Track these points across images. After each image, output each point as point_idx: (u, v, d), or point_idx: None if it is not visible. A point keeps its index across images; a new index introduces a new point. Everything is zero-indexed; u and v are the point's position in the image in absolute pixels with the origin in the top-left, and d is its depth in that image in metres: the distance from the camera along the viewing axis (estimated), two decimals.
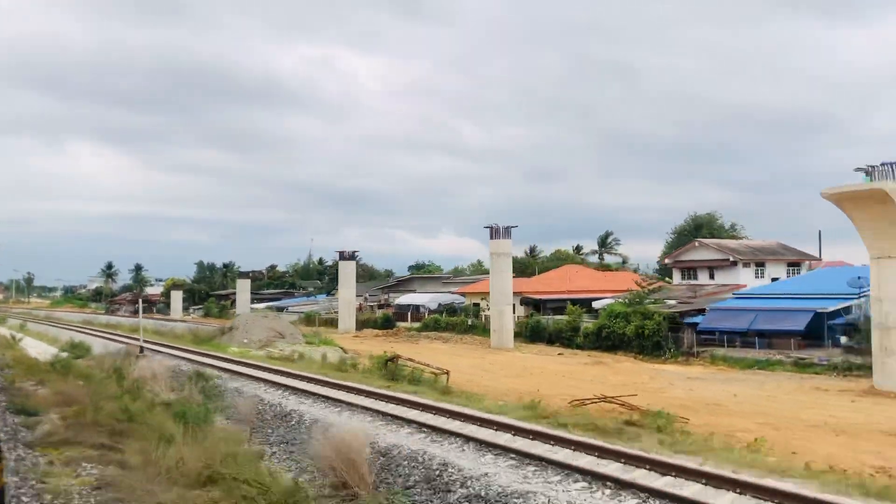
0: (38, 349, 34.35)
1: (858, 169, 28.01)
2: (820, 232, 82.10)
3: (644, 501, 9.12)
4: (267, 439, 13.72)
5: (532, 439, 12.24)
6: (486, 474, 9.73)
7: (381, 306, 75.48)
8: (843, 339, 36.47)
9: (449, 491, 9.43)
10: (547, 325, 53.16)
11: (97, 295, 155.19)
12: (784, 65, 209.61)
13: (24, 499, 9.13)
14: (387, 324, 67.28)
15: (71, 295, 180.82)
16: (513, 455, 11.11)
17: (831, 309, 37.57)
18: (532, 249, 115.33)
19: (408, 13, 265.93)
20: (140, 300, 46.47)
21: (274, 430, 14.10)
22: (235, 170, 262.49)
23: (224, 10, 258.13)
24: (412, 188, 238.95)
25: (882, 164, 26.99)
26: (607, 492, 9.37)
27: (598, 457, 10.93)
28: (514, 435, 12.62)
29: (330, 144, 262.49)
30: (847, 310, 37.57)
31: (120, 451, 12.33)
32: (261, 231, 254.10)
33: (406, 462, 10.76)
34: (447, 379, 23.64)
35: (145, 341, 35.95)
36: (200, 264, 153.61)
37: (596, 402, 23.52)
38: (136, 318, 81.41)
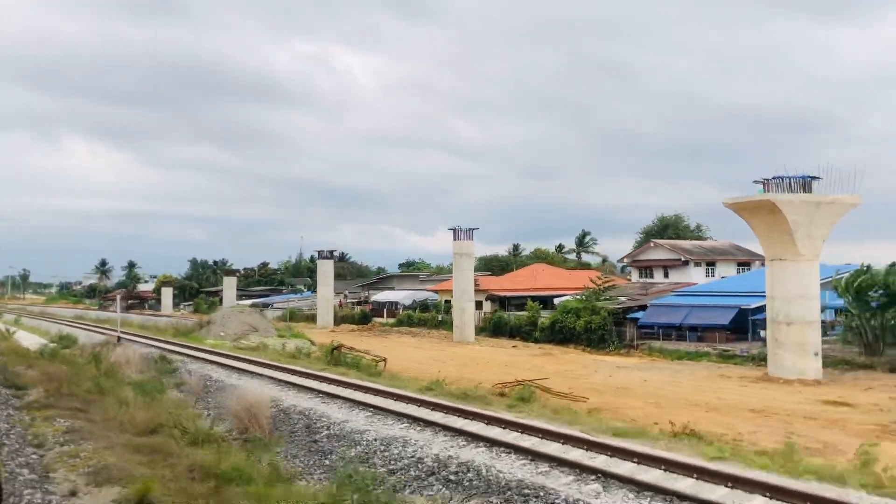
0: (30, 341, 37.82)
1: (756, 181, 31.70)
2: None
3: (452, 438, 12.73)
4: (207, 405, 17.28)
5: (399, 401, 15.87)
6: (347, 421, 13.33)
7: (359, 303, 79.06)
8: (763, 333, 40.22)
9: (318, 432, 13.03)
10: (509, 321, 56.78)
11: (91, 291, 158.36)
12: (781, 64, 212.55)
13: (13, 437, 12.73)
14: (364, 319, 70.87)
15: (66, 291, 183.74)
16: (372, 410, 14.75)
17: (754, 305, 41.25)
18: (515, 248, 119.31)
19: (403, 11, 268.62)
20: (118, 298, 50.23)
21: (214, 399, 17.66)
22: (231, 167, 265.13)
23: (221, 8, 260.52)
24: (408, 186, 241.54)
25: (774, 178, 30.67)
26: (427, 432, 13.02)
27: (445, 414, 14.55)
28: (392, 399, 16.26)
29: (326, 142, 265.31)
30: None
31: (88, 413, 15.90)
32: (256, 228, 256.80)
33: (297, 416, 14.37)
34: (384, 365, 27.26)
35: (129, 334, 39.53)
36: (194, 261, 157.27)
37: (515, 385, 27.18)
38: (127, 313, 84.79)
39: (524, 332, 54.74)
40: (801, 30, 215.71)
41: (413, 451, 11.72)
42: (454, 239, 53.32)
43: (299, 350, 30.92)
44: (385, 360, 27.67)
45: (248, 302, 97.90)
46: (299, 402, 15.74)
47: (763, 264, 64.76)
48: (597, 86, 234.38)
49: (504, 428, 13.25)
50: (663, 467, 10.92)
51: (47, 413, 15.59)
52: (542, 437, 13.00)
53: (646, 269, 63.45)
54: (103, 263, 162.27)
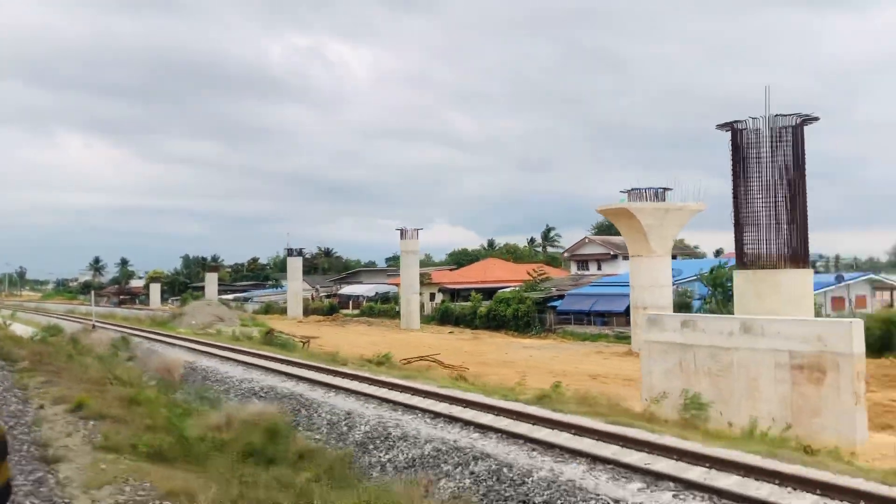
0: (24, 330, 44.31)
1: (622, 191, 38.30)
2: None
3: (292, 381, 19.24)
4: (146, 366, 23.85)
5: (281, 364, 22.38)
6: (228, 373, 19.92)
7: (329, 296, 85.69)
8: None
9: (207, 379, 19.60)
10: (454, 310, 63.46)
11: (86, 288, 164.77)
12: (774, 53, 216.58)
13: (6, 384, 19.23)
14: (331, 311, 77.54)
15: (62, 288, 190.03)
16: (263, 370, 21.35)
17: None
18: (490, 243, 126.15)
19: (397, 3, 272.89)
20: (92, 293, 56.70)
21: (152, 362, 24.22)
22: (228, 161, 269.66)
23: (215, 1, 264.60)
24: (405, 178, 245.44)
25: (633, 189, 37.27)
26: (278, 379, 19.55)
27: (306, 370, 21.09)
28: (276, 363, 22.81)
29: (321, 135, 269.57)
30: None
31: (59, 373, 22.43)
32: (253, 222, 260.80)
33: (201, 371, 20.93)
34: (307, 345, 33.85)
35: (110, 324, 46.04)
36: (186, 257, 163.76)
37: (417, 360, 33.75)
38: (117, 307, 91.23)
39: (467, 320, 61.40)
40: (791, 17, 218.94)
41: (255, 385, 18.30)
42: (401, 238, 59.89)
43: (245, 335, 37.44)
44: (308, 341, 34.29)
45: (231, 296, 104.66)
46: (207, 364, 22.32)
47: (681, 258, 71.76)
48: (592, 77, 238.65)
49: (342, 377, 19.80)
50: (436, 399, 17.35)
51: (31, 373, 22.08)
52: (360, 382, 19.51)
53: (582, 262, 70.08)
54: (97, 261, 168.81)
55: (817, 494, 9.19)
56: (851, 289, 44.97)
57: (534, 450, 11.67)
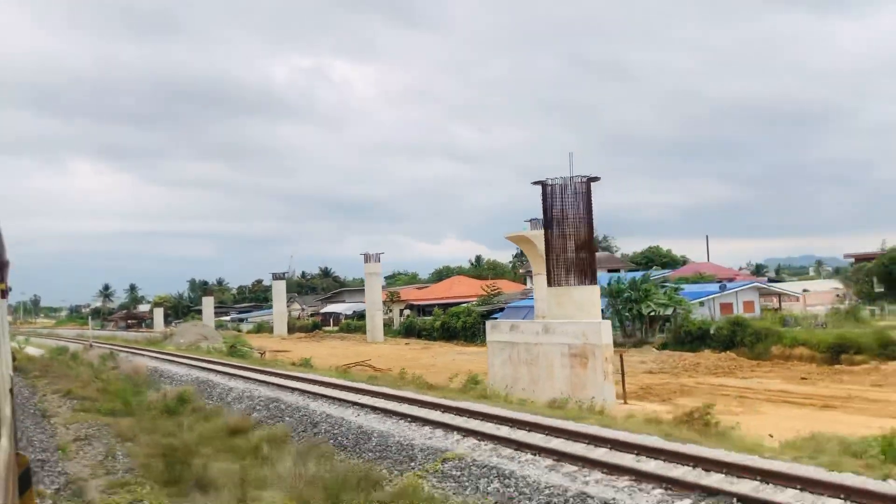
0: (36, 352, 52.59)
1: (527, 220, 46.12)
2: (707, 237, 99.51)
3: (220, 376, 27.12)
4: (122, 371, 31.86)
5: (224, 367, 30.26)
6: (178, 372, 27.87)
7: (313, 315, 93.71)
8: None
9: (163, 375, 27.58)
10: (417, 324, 71.25)
11: (96, 313, 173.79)
12: (781, 58, 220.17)
13: (22, 385, 27.21)
14: (314, 328, 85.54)
15: (75, 314, 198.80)
16: (200, 369, 29.23)
17: None
18: (478, 259, 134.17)
19: (399, 21, 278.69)
20: (90, 318, 64.85)
21: (127, 368, 32.22)
22: (236, 182, 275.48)
23: (218, 25, 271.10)
24: (413, 194, 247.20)
25: (532, 220, 45.11)
26: (211, 374, 27.42)
27: (238, 370, 28.93)
28: (221, 366, 30.68)
29: (328, 153, 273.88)
30: None
31: (61, 378, 30.45)
32: (261, 242, 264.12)
33: (161, 371, 28.90)
34: (264, 355, 41.79)
35: (110, 345, 54.20)
36: (192, 281, 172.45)
37: (354, 365, 41.56)
38: (126, 332, 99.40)
39: (427, 333, 69.14)
40: (796, 23, 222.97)
41: (188, 377, 26.20)
42: (365, 262, 67.88)
43: (217, 349, 45.43)
44: (265, 353, 42.23)
45: (228, 318, 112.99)
46: (166, 367, 30.34)
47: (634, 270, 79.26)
48: (597, 86, 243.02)
49: (249, 371, 27.61)
50: (306, 383, 25.17)
51: (40, 378, 30.14)
52: (259, 373, 27.31)
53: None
54: (106, 287, 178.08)
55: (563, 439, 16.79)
56: (739, 295, 52.27)
57: (334, 404, 19.39)
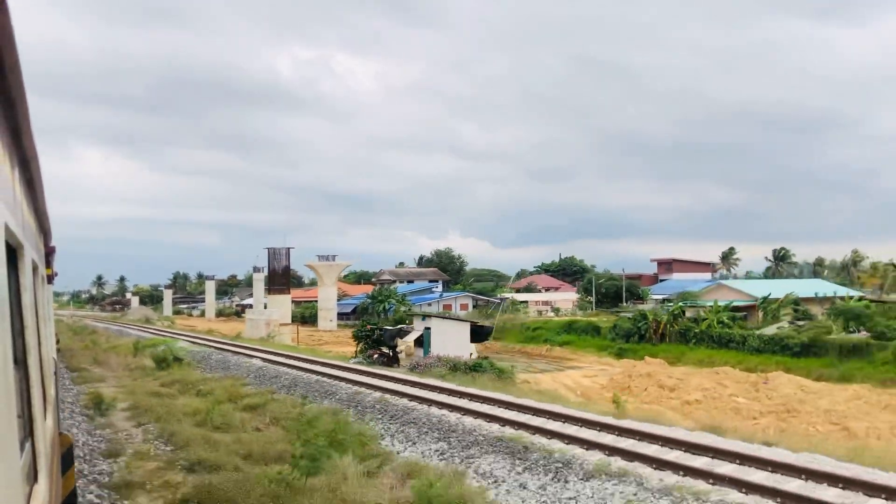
0: None
1: (318, 255, 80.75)
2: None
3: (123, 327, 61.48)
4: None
5: (121, 324, 64.37)
6: (100, 326, 62.24)
7: (237, 305, 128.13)
8: None
9: (91, 327, 61.97)
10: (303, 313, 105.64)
11: (91, 299, 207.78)
12: (785, 63, 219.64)
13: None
14: (237, 315, 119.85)
15: (76, 299, 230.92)
16: (112, 325, 63.46)
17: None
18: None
19: (404, 16, 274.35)
20: (75, 301, 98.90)
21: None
22: (241, 172, 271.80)
23: (226, 15, 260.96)
24: (417, 189, 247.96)
25: (320, 256, 79.76)
26: (113, 326, 61.77)
27: (128, 327, 63.17)
28: (119, 324, 64.91)
29: (333, 146, 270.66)
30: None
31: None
32: (265, 233, 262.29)
33: (90, 326, 63.19)
34: (172, 324, 76.39)
35: (81, 317, 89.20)
36: (177, 273, 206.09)
37: (211, 331, 76.04)
38: (102, 312, 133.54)
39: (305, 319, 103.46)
40: (799, 29, 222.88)
41: (99, 326, 60.50)
42: (254, 272, 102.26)
43: (144, 322, 79.61)
44: (174, 322, 76.84)
45: (185, 305, 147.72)
46: (95, 324, 64.63)
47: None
48: (602, 87, 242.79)
49: (142, 329, 61.81)
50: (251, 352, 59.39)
51: None
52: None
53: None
54: (99, 277, 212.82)
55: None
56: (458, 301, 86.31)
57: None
